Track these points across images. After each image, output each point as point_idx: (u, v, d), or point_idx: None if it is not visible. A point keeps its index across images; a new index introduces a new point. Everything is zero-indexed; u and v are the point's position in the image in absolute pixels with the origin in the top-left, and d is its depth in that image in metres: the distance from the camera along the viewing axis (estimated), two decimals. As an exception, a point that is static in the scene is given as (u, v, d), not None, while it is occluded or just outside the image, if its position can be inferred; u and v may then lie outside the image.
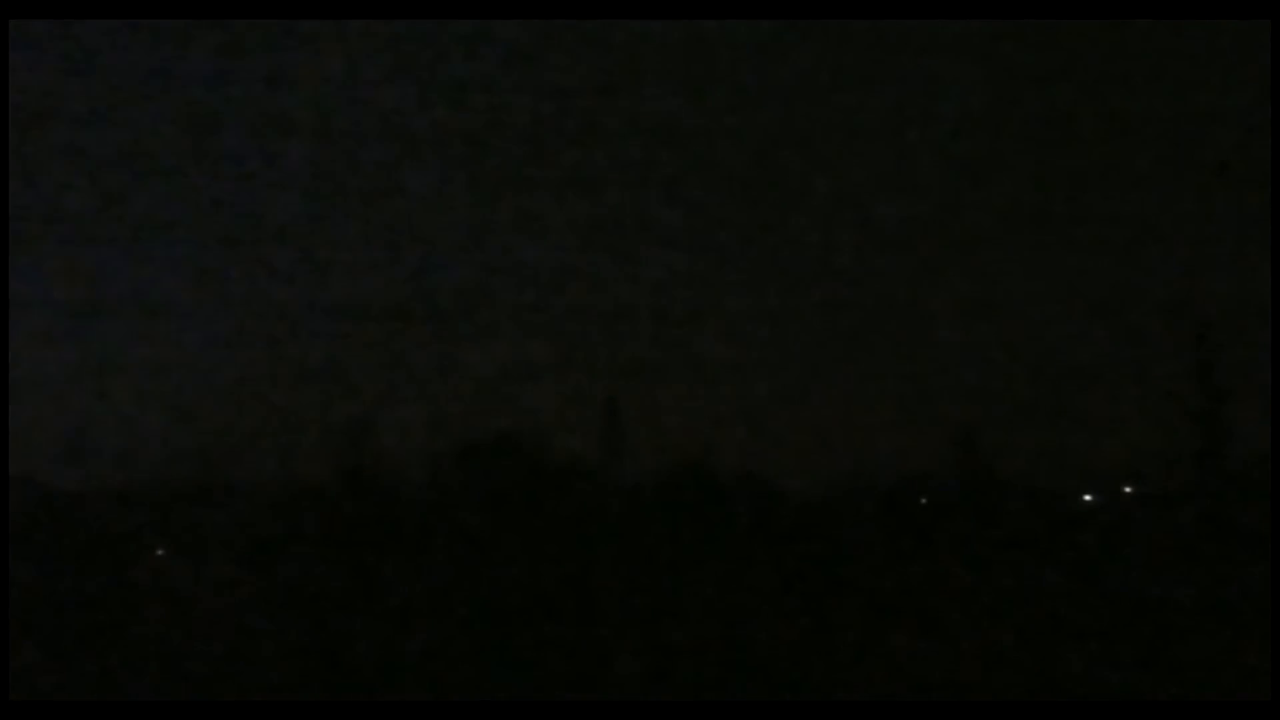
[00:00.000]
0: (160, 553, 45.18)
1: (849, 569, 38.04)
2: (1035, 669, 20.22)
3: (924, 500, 45.56)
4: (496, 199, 63.31)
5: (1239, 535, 37.09)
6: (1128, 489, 44.97)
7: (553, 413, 46.43)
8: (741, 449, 45.48)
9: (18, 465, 39.97)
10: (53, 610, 29.76)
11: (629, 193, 61.98)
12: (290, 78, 63.84)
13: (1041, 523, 42.57)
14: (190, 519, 44.63)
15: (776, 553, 40.52)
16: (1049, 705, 17.00)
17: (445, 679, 19.98)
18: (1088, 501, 45.69)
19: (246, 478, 45.63)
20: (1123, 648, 22.12)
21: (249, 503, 44.83)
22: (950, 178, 60.37)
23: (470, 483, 43.99)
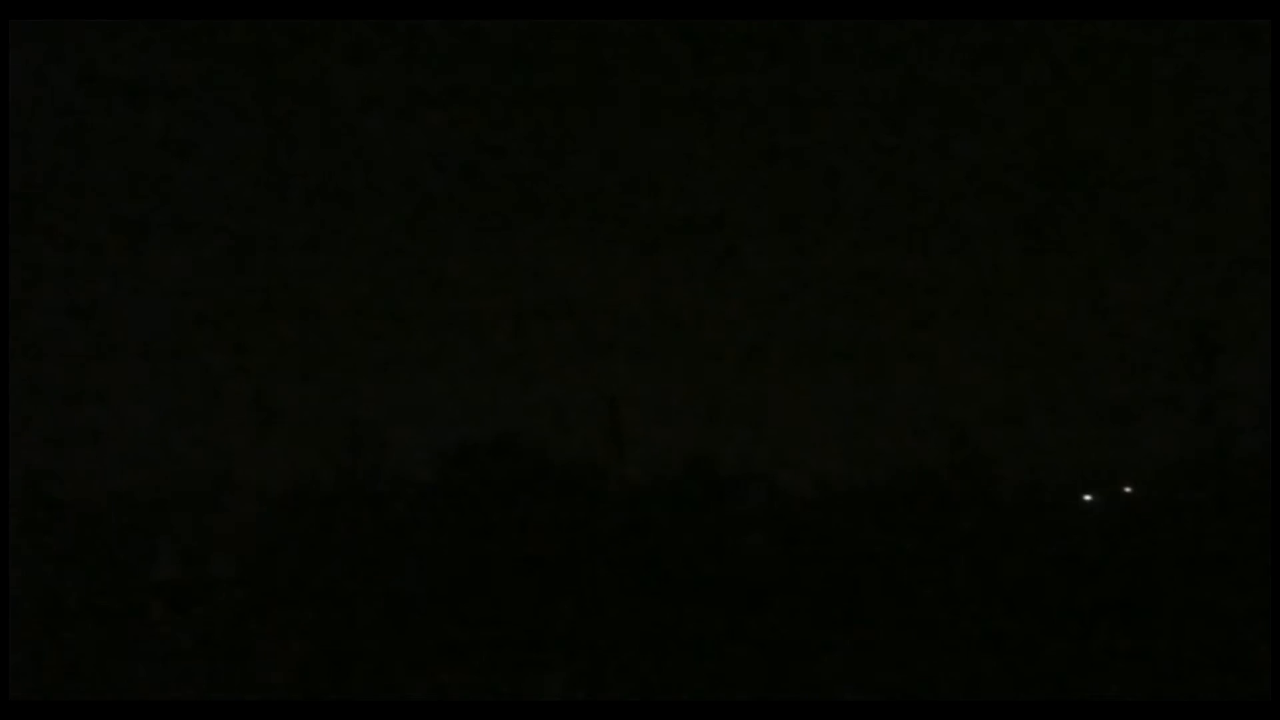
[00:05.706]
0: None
1: (848, 568, 38.08)
2: (1035, 669, 20.25)
3: (924, 500, 45.52)
4: (496, 197, 63.26)
5: (1239, 535, 37.10)
6: (1128, 489, 44.94)
7: (553, 413, 46.34)
8: (742, 448, 45.44)
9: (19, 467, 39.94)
10: (54, 610, 29.78)
11: (628, 191, 62.08)
12: (286, 77, 63.82)
13: (1041, 523, 42.55)
14: (191, 519, 44.61)
15: (779, 551, 40.56)
16: (1049, 705, 17.02)
17: (446, 679, 20.00)
18: (1088, 501, 45.67)
19: (247, 477, 45.58)
20: (1122, 648, 22.14)
21: (249, 503, 44.80)
22: (951, 176, 60.45)
23: (470, 483, 43.99)
